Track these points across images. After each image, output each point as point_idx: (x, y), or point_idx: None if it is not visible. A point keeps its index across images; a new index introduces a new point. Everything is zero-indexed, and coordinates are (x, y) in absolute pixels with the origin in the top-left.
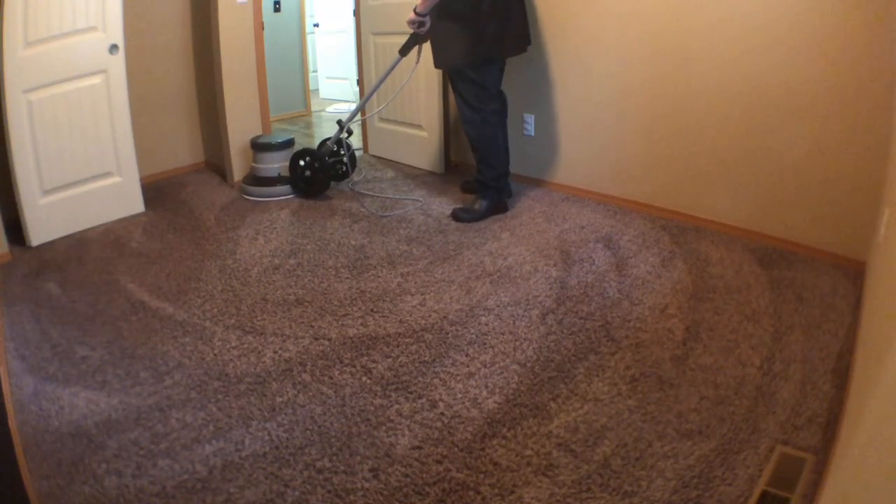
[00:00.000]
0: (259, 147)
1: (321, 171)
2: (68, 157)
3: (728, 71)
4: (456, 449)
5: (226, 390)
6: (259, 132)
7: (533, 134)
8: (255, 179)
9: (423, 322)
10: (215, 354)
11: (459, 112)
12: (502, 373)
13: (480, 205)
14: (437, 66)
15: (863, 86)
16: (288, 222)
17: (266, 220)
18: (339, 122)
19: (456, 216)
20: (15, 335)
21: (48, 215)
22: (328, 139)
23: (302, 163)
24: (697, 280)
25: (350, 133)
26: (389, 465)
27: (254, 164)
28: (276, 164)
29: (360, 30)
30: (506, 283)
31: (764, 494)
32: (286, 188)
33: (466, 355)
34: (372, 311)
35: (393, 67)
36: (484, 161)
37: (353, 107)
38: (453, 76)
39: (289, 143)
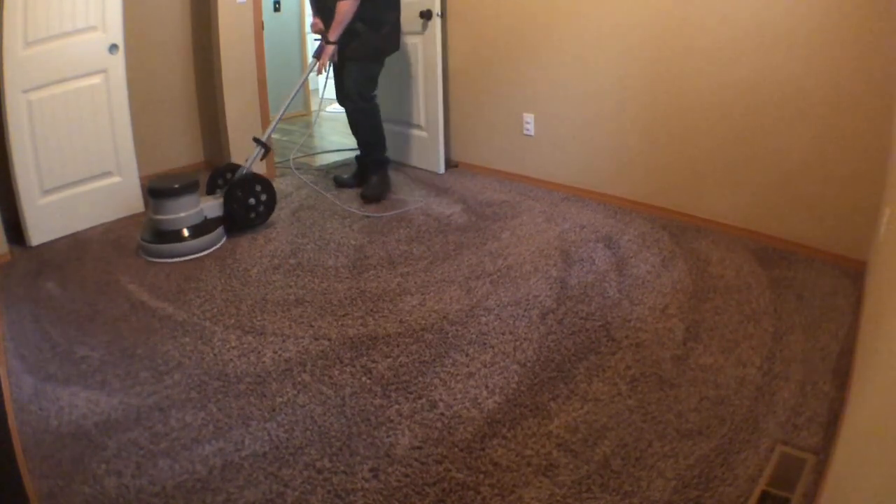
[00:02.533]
0: (158, 193)
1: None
2: (68, 156)
3: (729, 71)
4: (456, 449)
5: (226, 390)
6: (259, 132)
7: (533, 134)
8: (157, 234)
9: (423, 322)
10: (215, 354)
11: (350, 104)
12: (502, 373)
13: (381, 179)
14: (349, 57)
15: (863, 86)
16: (288, 222)
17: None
18: (255, 139)
19: (369, 198)
20: (15, 335)
21: (48, 215)
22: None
23: (240, 193)
24: (697, 280)
25: (266, 151)
26: (389, 465)
27: (154, 216)
28: (182, 212)
29: None
30: (506, 283)
31: (764, 494)
32: (207, 239)
33: (466, 355)
34: (372, 311)
35: (309, 73)
36: (375, 142)
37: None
38: (353, 70)
39: (193, 186)
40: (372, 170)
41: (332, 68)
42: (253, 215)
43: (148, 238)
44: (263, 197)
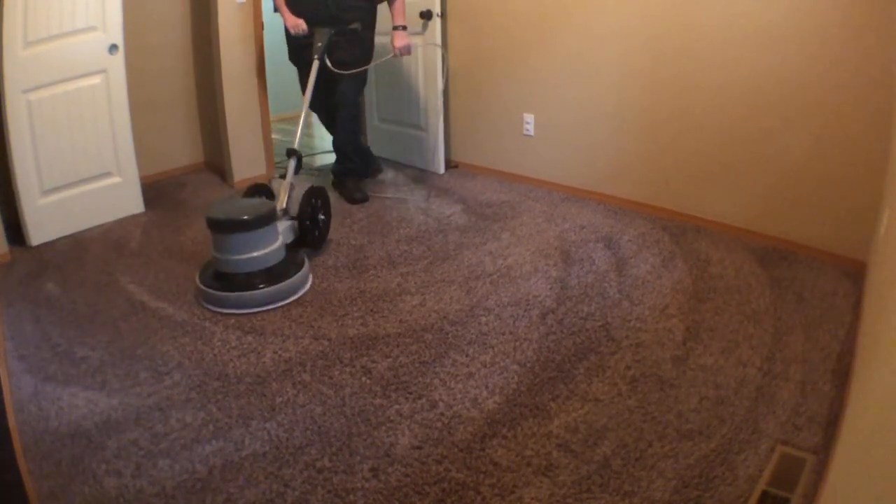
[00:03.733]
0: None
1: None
2: (68, 157)
3: (729, 71)
4: (456, 449)
5: (226, 390)
6: (259, 132)
7: (533, 134)
8: (224, 280)
9: (423, 322)
10: (215, 354)
11: (346, 112)
12: (502, 373)
13: (362, 182)
14: (349, 63)
15: (863, 86)
16: None
17: None
18: (288, 150)
19: (358, 200)
20: (15, 335)
21: (48, 215)
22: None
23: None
24: (697, 280)
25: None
26: (389, 465)
27: (219, 256)
28: (264, 248)
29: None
30: (506, 283)
31: (764, 494)
32: (290, 283)
33: (466, 355)
34: (372, 311)
35: (316, 74)
36: (356, 150)
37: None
38: (353, 76)
39: (271, 215)
40: (349, 174)
41: (314, 82)
42: (316, 232)
43: (215, 284)
44: (322, 211)
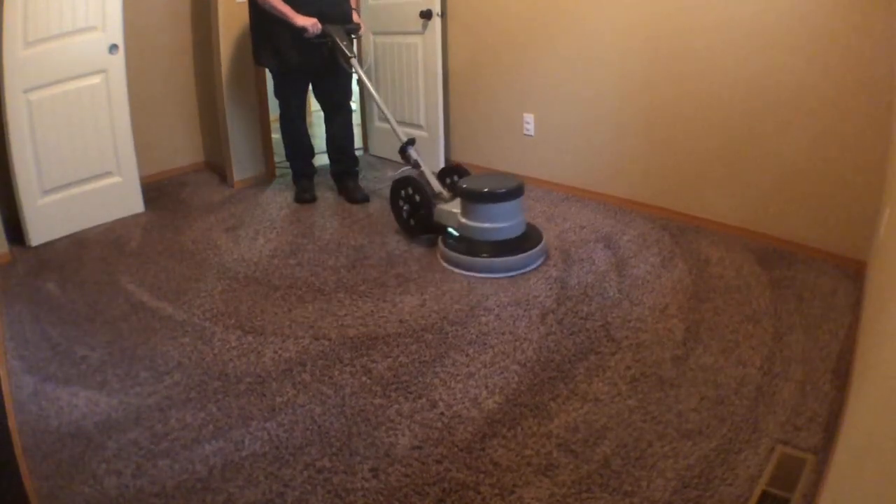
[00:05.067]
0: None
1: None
2: (68, 156)
3: (729, 71)
4: (456, 449)
5: (226, 390)
6: (258, 132)
7: (533, 134)
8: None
9: (423, 322)
10: (215, 354)
11: (345, 113)
12: (502, 373)
13: (361, 184)
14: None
15: (863, 86)
16: (288, 222)
17: (266, 220)
18: (402, 149)
19: (359, 200)
20: (15, 335)
21: (48, 215)
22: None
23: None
24: (697, 280)
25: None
26: (389, 465)
27: (468, 222)
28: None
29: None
30: (506, 283)
31: (764, 494)
32: (530, 254)
33: (466, 355)
34: (372, 311)
35: (366, 77)
36: (352, 146)
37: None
38: (347, 78)
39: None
40: (351, 174)
41: (367, 82)
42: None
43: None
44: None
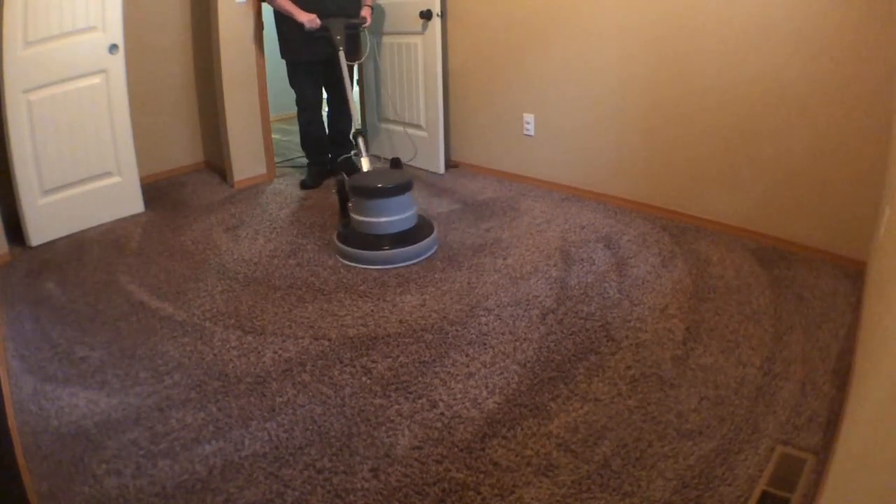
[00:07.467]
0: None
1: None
2: (68, 156)
3: (729, 71)
4: (456, 449)
5: (226, 390)
6: (259, 132)
7: (533, 134)
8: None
9: (423, 322)
10: (215, 354)
11: (348, 101)
12: (502, 373)
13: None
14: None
15: (863, 86)
16: (288, 222)
17: (266, 220)
18: (353, 134)
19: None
20: (15, 335)
21: (48, 215)
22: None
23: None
24: (697, 280)
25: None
26: (389, 465)
27: (358, 217)
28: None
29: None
30: (506, 283)
31: (764, 494)
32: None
33: (466, 355)
34: (372, 311)
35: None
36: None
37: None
38: (351, 71)
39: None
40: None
41: (347, 73)
42: None
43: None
44: None
